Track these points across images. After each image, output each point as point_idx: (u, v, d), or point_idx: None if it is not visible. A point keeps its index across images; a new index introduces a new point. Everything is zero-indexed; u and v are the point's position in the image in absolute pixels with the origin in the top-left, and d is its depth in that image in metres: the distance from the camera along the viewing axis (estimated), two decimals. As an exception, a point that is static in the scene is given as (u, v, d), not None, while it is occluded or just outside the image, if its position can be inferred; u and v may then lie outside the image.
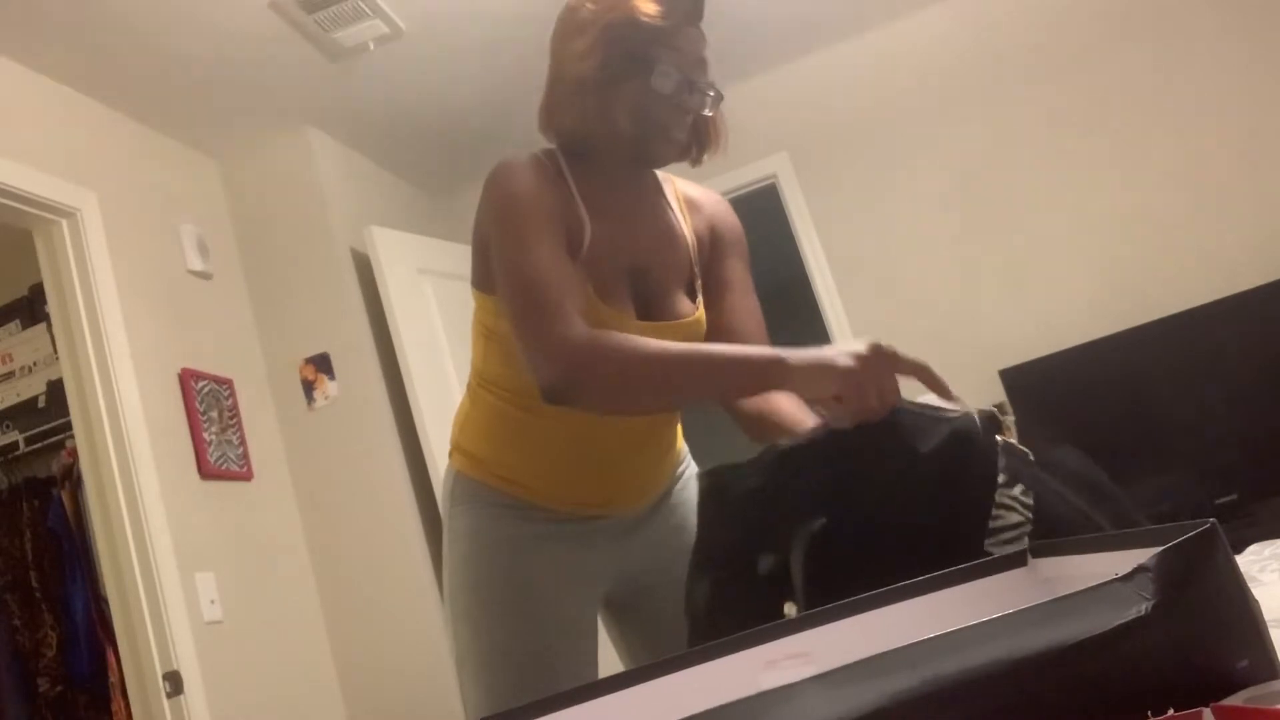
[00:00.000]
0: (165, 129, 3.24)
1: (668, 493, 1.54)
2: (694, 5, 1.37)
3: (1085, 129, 3.67)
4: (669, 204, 1.50)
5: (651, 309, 1.40)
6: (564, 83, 1.42)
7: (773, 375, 1.21)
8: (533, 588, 1.40)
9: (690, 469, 1.60)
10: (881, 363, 1.15)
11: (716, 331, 1.46)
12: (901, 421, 1.06)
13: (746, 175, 4.00)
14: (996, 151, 3.75)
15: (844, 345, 1.17)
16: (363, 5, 2.90)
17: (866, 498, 1.01)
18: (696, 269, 1.48)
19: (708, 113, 1.42)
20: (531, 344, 1.24)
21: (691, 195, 1.55)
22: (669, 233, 1.46)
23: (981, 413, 1.03)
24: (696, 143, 1.47)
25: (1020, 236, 3.69)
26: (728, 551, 1.09)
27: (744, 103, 4.06)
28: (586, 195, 1.38)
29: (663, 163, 1.44)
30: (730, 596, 1.05)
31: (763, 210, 4.05)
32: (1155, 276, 3.50)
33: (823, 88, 3.96)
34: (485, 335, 1.43)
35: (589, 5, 1.40)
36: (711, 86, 1.39)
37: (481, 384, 1.47)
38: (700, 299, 1.46)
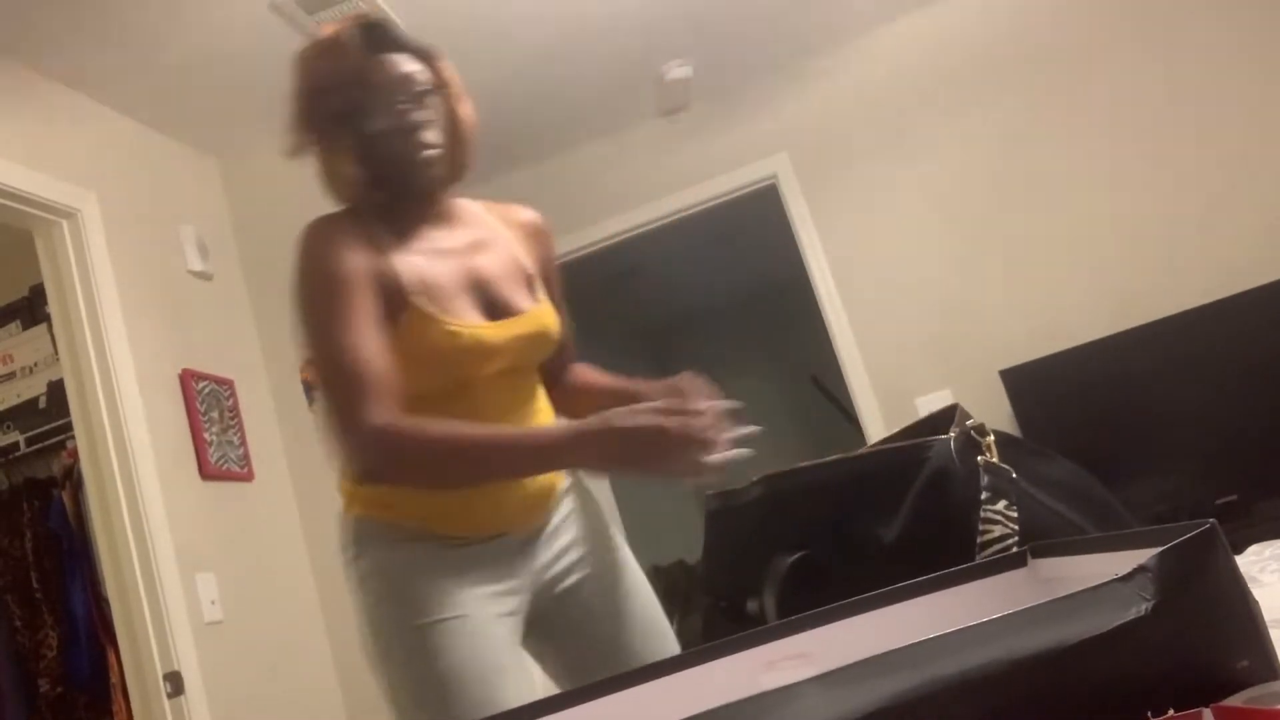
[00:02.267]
0: (165, 129, 3.24)
1: (560, 503, 1.53)
2: (373, 40, 1.46)
3: (1085, 130, 3.67)
4: (486, 220, 1.56)
5: (497, 311, 1.46)
6: (316, 157, 1.52)
7: (563, 458, 1.31)
8: (453, 613, 1.39)
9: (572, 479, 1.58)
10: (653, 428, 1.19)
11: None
12: (882, 460, 1.06)
13: (746, 175, 4.00)
14: (996, 152, 3.75)
15: (625, 412, 1.23)
16: (362, 5, 2.90)
17: (849, 532, 1.01)
18: (530, 270, 1.53)
19: (431, 116, 1.46)
20: (339, 434, 1.29)
21: (508, 213, 1.62)
22: (492, 243, 1.52)
23: (957, 440, 1.03)
24: (453, 148, 1.51)
25: (1021, 237, 3.69)
26: (725, 575, 1.09)
27: (744, 103, 4.06)
28: (400, 236, 1.43)
29: (437, 183, 1.48)
30: (719, 627, 1.06)
31: (763, 210, 4.06)
32: (1155, 277, 3.50)
33: (823, 88, 3.96)
34: None
35: (291, 84, 1.52)
36: (425, 94, 1.45)
37: None
38: (541, 293, 1.52)
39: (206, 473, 2.89)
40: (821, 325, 3.89)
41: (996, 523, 0.96)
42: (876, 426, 3.69)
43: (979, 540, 0.96)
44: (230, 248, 3.41)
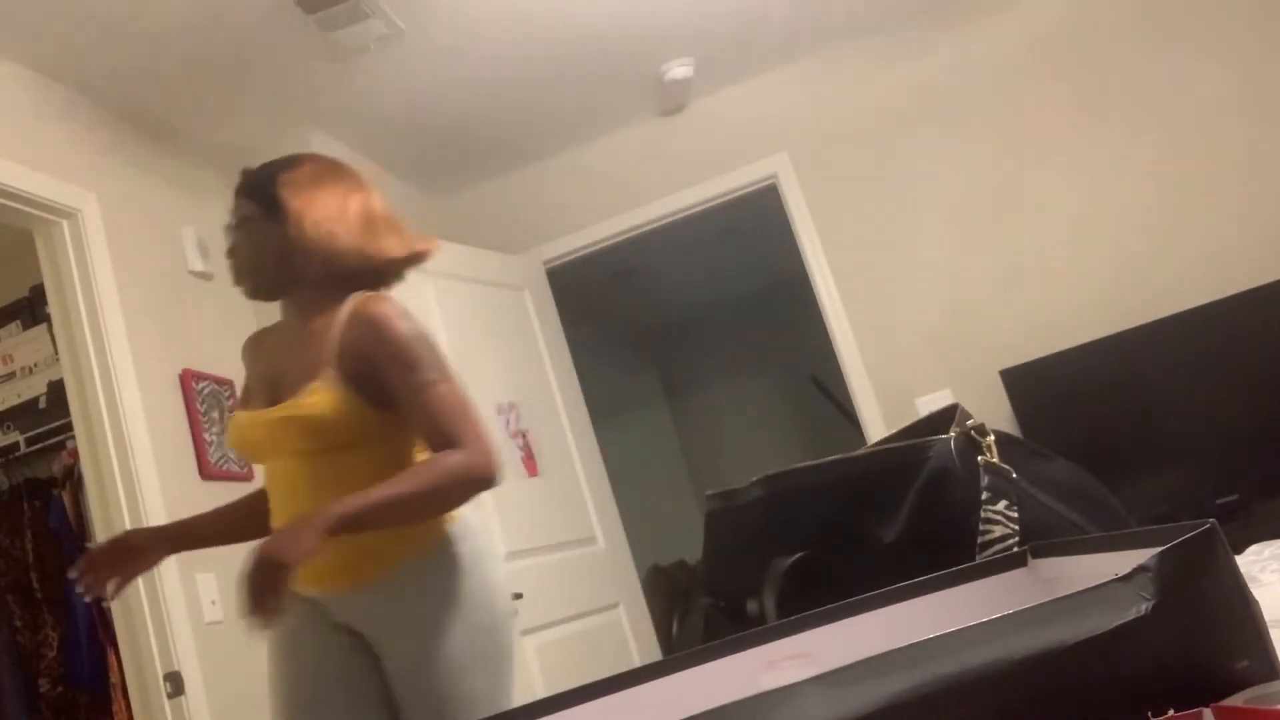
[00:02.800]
0: (165, 129, 3.24)
1: (389, 581, 1.64)
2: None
3: (1085, 129, 3.67)
4: (330, 325, 1.68)
5: (276, 401, 1.69)
6: None
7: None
8: (283, 676, 1.68)
9: (437, 565, 1.67)
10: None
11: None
12: (882, 460, 1.06)
13: (746, 175, 4.00)
14: (997, 151, 3.75)
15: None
16: (363, 5, 2.90)
17: (849, 532, 1.01)
18: (326, 363, 1.65)
19: (229, 256, 1.82)
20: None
21: (357, 310, 1.68)
22: (304, 343, 1.69)
23: (957, 440, 1.03)
24: (289, 268, 1.75)
25: (1021, 236, 3.69)
26: (725, 575, 1.09)
27: (744, 103, 4.06)
28: (272, 332, 1.83)
29: (256, 294, 1.81)
30: (719, 627, 1.06)
31: (763, 210, 4.06)
32: (1155, 277, 3.50)
33: (823, 88, 3.96)
34: None
35: None
36: (238, 222, 1.78)
37: None
38: (317, 384, 1.63)
39: (206, 473, 2.89)
40: (821, 325, 3.89)
41: (997, 523, 0.96)
42: (876, 426, 3.69)
43: (979, 540, 0.96)
44: (230, 248, 3.40)
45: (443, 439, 1.57)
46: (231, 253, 1.78)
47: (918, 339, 3.74)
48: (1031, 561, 0.77)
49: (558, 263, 4.16)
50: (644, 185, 4.08)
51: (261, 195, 1.77)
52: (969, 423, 1.04)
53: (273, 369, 1.73)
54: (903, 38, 3.88)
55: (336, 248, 1.71)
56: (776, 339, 6.40)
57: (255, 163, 3.64)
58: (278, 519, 1.67)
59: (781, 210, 3.98)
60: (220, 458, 2.96)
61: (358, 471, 1.60)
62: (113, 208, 2.88)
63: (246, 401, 1.77)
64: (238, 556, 2.94)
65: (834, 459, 1.09)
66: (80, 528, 3.19)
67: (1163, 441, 3.29)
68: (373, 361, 1.63)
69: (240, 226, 1.76)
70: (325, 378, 1.63)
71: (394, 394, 1.62)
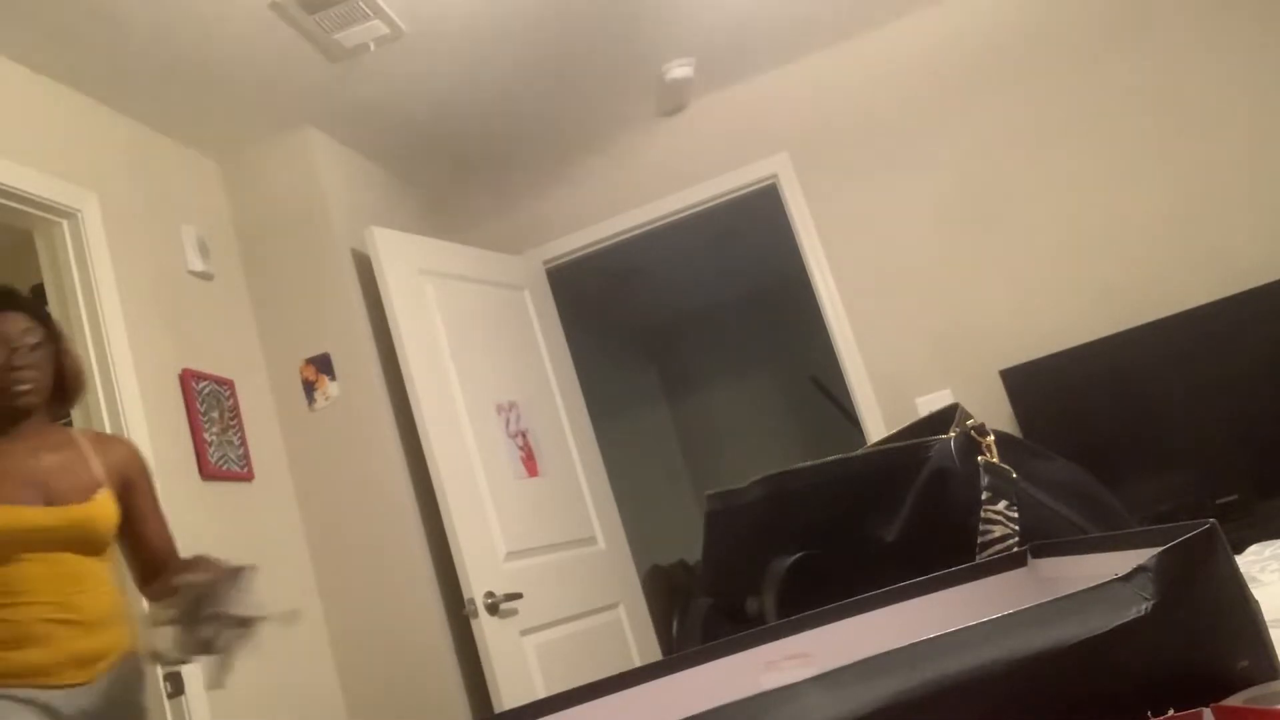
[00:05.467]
0: (165, 129, 3.24)
1: (116, 668, 1.85)
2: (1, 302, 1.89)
3: (1086, 129, 3.67)
4: (76, 443, 1.95)
5: (50, 503, 1.83)
6: None
7: None
8: None
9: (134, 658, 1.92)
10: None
11: (144, 551, 2.01)
12: (882, 460, 1.06)
13: (746, 175, 4.00)
14: (997, 151, 3.75)
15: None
16: (363, 5, 2.90)
17: (849, 532, 1.01)
18: (100, 481, 1.91)
19: (62, 358, 1.95)
20: None
21: (101, 440, 2.03)
22: (63, 459, 1.90)
23: (958, 440, 1.03)
24: (62, 389, 1.97)
25: (1021, 237, 3.69)
26: (725, 576, 1.09)
27: (744, 103, 4.06)
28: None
29: (30, 408, 1.88)
30: (719, 627, 1.06)
31: (763, 210, 4.06)
32: (1155, 277, 3.50)
33: (823, 88, 3.96)
34: None
35: None
36: (39, 345, 1.89)
37: None
38: (100, 496, 1.89)
39: (206, 473, 2.89)
40: (821, 325, 3.89)
41: (997, 523, 0.96)
42: (876, 426, 3.69)
43: (979, 540, 0.96)
44: (231, 248, 3.41)
45: (172, 547, 2.05)
46: (30, 370, 1.88)
47: (918, 339, 3.74)
48: (1031, 561, 0.77)
49: (558, 263, 4.17)
50: (644, 185, 4.08)
51: (44, 319, 1.96)
52: (969, 423, 1.04)
53: (34, 476, 1.83)
54: (902, 37, 3.88)
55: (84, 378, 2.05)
56: (776, 339, 6.41)
57: (254, 163, 3.65)
58: (42, 609, 1.78)
59: (781, 210, 3.98)
60: (220, 458, 2.96)
61: (101, 575, 1.89)
62: (113, 208, 2.88)
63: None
64: (238, 556, 2.94)
65: (834, 459, 1.09)
66: (80, 528, 3.18)
67: (1163, 441, 3.29)
68: (132, 486, 1.98)
69: (40, 347, 1.90)
70: (100, 494, 1.90)
71: (141, 509, 1.99)
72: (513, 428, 3.54)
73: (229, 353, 3.20)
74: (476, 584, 3.08)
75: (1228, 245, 3.45)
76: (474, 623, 3.07)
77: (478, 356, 3.53)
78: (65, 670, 1.77)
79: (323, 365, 3.31)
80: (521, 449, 3.54)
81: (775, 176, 3.97)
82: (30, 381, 1.88)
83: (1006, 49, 3.78)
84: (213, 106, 3.20)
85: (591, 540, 3.71)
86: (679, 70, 3.75)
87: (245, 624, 1.84)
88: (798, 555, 1.00)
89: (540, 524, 3.47)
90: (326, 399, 3.29)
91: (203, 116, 3.23)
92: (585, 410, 4.00)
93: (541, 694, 3.14)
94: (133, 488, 1.99)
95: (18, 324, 1.89)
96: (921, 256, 3.79)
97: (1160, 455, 3.27)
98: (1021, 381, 3.48)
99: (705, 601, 1.13)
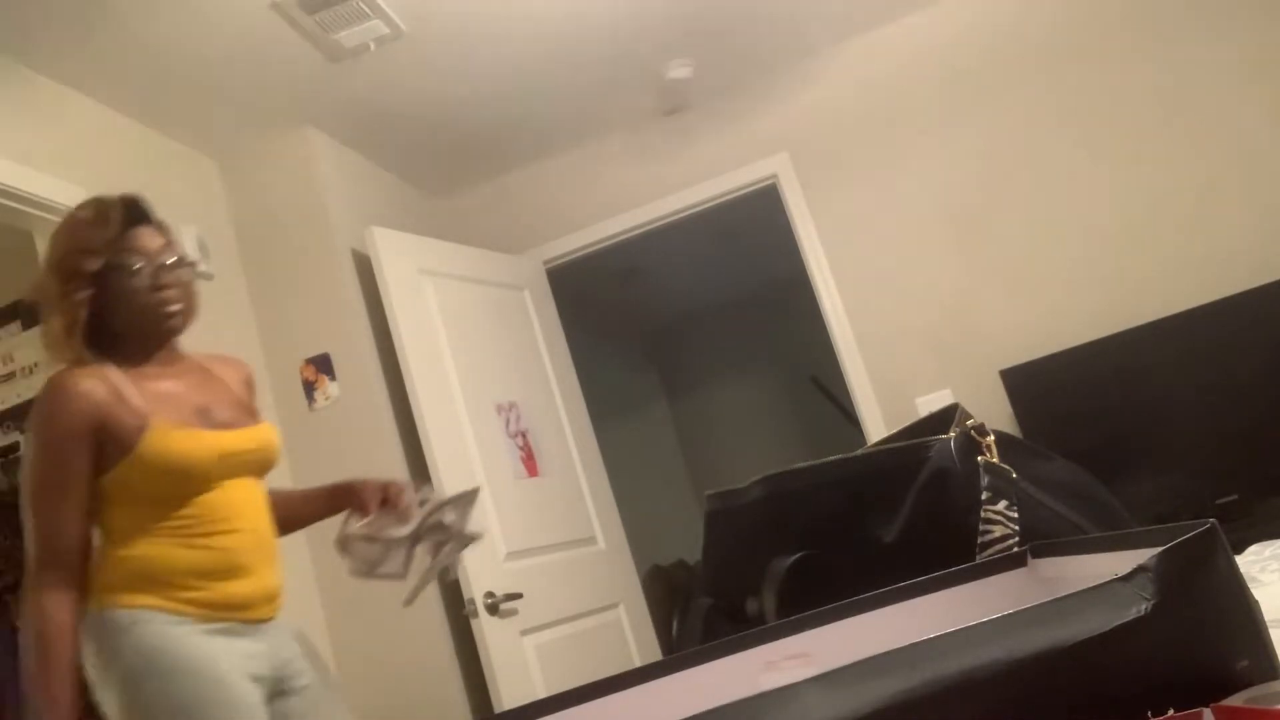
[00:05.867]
0: (165, 129, 3.24)
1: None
2: (132, 214, 1.74)
3: (1086, 129, 3.67)
4: (208, 368, 1.86)
5: (224, 428, 1.75)
6: (57, 315, 1.68)
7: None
8: (220, 685, 1.58)
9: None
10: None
11: None
12: (882, 460, 1.06)
13: (746, 175, 4.00)
14: (997, 151, 3.75)
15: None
16: (363, 5, 2.90)
17: (849, 532, 1.01)
18: (247, 402, 1.86)
19: (186, 279, 1.77)
20: (28, 577, 1.58)
21: (220, 361, 1.93)
22: (211, 380, 1.82)
23: (958, 440, 1.03)
24: (186, 310, 1.80)
25: (1020, 236, 3.69)
26: (725, 575, 1.09)
27: (744, 103, 4.06)
28: (138, 381, 1.68)
29: (178, 331, 1.76)
30: (719, 627, 1.06)
31: (763, 210, 4.06)
32: (1155, 277, 3.50)
33: (823, 88, 3.96)
34: (118, 508, 1.65)
35: (51, 251, 1.73)
36: (180, 262, 1.75)
37: (119, 542, 1.66)
38: (261, 419, 1.85)
39: (206, 473, 2.89)
40: (821, 325, 3.89)
41: (997, 523, 0.96)
42: (876, 426, 3.69)
43: (979, 540, 0.96)
44: (231, 248, 3.41)
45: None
46: (176, 289, 1.75)
47: (918, 339, 3.74)
48: (1031, 561, 0.77)
49: (558, 263, 4.16)
50: (644, 185, 4.08)
51: (170, 238, 1.82)
52: (969, 423, 1.04)
53: (194, 400, 1.73)
54: (902, 38, 3.88)
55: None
56: (776, 339, 6.41)
57: (254, 163, 3.65)
58: (246, 537, 1.71)
59: (781, 210, 3.98)
60: (220, 458, 2.96)
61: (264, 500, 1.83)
62: (113, 208, 2.88)
63: (174, 423, 1.70)
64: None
65: (834, 459, 1.10)
66: (80, 528, 3.18)
67: (1163, 441, 3.29)
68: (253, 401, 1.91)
69: (180, 266, 1.76)
70: (256, 415, 1.84)
71: None
72: (513, 428, 3.54)
73: (229, 352, 3.19)
74: (476, 584, 3.08)
75: (1228, 245, 3.45)
76: (474, 623, 3.07)
77: (478, 356, 3.53)
78: (261, 604, 1.71)
79: (323, 365, 3.31)
80: (521, 449, 3.54)
81: (775, 176, 3.97)
82: (178, 302, 1.74)
83: (1006, 50, 3.78)
84: (213, 106, 3.20)
85: (591, 540, 3.71)
86: (679, 70, 3.75)
87: (466, 542, 1.73)
88: (798, 555, 1.00)
89: (540, 524, 3.47)
90: (326, 399, 3.29)
91: (203, 116, 3.23)
92: (585, 410, 4.00)
93: (541, 694, 3.13)
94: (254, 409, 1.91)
95: (155, 240, 1.75)
96: (921, 256, 3.79)
97: (1160, 455, 3.26)
98: (1021, 381, 3.48)
99: (705, 601, 1.13)
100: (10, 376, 3.43)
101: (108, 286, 1.67)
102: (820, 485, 1.08)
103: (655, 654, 3.78)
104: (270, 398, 3.32)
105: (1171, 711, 0.48)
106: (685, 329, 6.75)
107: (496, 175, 4.24)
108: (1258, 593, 0.54)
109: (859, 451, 1.16)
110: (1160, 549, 0.51)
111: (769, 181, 3.98)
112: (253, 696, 1.60)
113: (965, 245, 3.74)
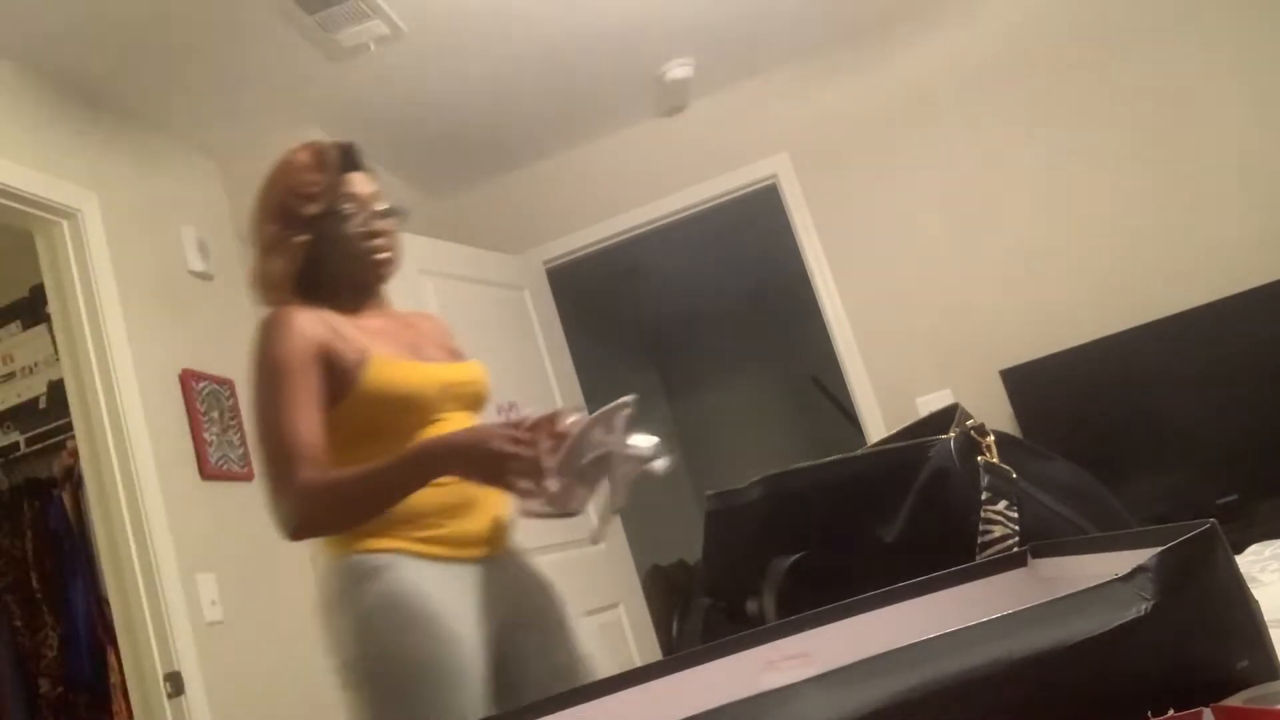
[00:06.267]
0: (165, 129, 3.24)
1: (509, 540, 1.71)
2: (348, 160, 1.73)
3: (1086, 129, 3.67)
4: (408, 318, 1.85)
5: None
6: (272, 258, 1.69)
7: (436, 467, 1.50)
8: (451, 634, 1.51)
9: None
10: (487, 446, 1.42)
11: None
12: (882, 460, 1.06)
13: (746, 175, 4.00)
14: (997, 151, 3.75)
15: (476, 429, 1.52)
16: (363, 5, 2.90)
17: (849, 532, 1.01)
18: (451, 346, 1.85)
19: (400, 225, 1.77)
20: (272, 495, 1.53)
21: (411, 313, 1.93)
22: (414, 325, 1.82)
23: (958, 440, 1.03)
24: (396, 251, 1.78)
25: (1020, 236, 3.69)
26: (725, 575, 1.09)
27: (744, 103, 4.06)
28: (344, 315, 1.67)
29: (386, 279, 1.76)
30: (719, 627, 1.06)
31: (763, 210, 4.06)
32: (1155, 276, 3.50)
33: (823, 88, 3.96)
34: (345, 449, 1.58)
35: (268, 193, 1.72)
36: (391, 210, 1.74)
37: None
38: (464, 357, 1.84)
39: (206, 473, 2.89)
40: (821, 325, 3.89)
41: (997, 523, 0.96)
42: (876, 426, 3.69)
43: (979, 541, 0.96)
44: (230, 248, 3.41)
45: None
46: (387, 237, 1.72)
47: (918, 339, 3.74)
48: (1031, 561, 0.77)
49: (558, 263, 4.16)
50: (644, 185, 4.08)
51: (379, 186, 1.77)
52: (969, 423, 1.04)
53: (405, 340, 1.70)
54: (902, 38, 3.88)
55: None
56: (776, 339, 6.40)
57: (254, 163, 3.64)
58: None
59: (781, 210, 3.98)
60: (220, 458, 2.97)
61: None
62: (113, 208, 2.88)
63: (393, 358, 1.64)
64: (238, 556, 2.95)
65: (834, 459, 1.10)
66: (80, 528, 3.19)
67: (1163, 441, 3.29)
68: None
69: (390, 214, 1.74)
70: (458, 355, 1.81)
71: None
72: (513, 428, 3.54)
73: (229, 353, 3.20)
74: (476, 584, 3.08)
75: (1227, 245, 3.45)
76: (474, 623, 3.06)
77: (478, 356, 3.51)
78: (496, 538, 1.65)
79: (323, 365, 3.31)
80: (521, 449, 3.54)
81: (775, 176, 3.97)
82: (388, 250, 1.72)
83: (1006, 49, 3.78)
84: (212, 106, 3.20)
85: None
86: (679, 70, 3.75)
87: (635, 461, 1.54)
88: (798, 555, 1.00)
89: (540, 524, 3.46)
90: (326, 399, 3.29)
91: (203, 116, 3.23)
92: (585, 410, 4.00)
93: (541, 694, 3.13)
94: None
95: (368, 186, 1.73)
96: (921, 256, 3.79)
97: (1160, 455, 3.26)
98: (1021, 381, 3.48)
99: (705, 601, 1.13)
100: (10, 376, 3.43)
101: (323, 232, 1.67)
102: (820, 485, 1.07)
103: (655, 654, 3.78)
104: (270, 398, 3.32)
105: (1171, 711, 0.48)
106: (685, 329, 6.75)
107: (496, 175, 4.24)
108: (1258, 593, 0.54)
109: (859, 451, 1.16)
110: (1160, 549, 0.51)
111: (769, 181, 3.98)
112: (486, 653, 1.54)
113: (965, 245, 3.74)
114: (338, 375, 1.57)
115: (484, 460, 1.42)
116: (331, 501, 1.51)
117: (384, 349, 1.63)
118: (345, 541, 1.56)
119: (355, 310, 1.70)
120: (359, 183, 1.72)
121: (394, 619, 1.49)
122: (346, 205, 1.68)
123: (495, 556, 1.64)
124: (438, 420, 1.60)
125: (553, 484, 1.40)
